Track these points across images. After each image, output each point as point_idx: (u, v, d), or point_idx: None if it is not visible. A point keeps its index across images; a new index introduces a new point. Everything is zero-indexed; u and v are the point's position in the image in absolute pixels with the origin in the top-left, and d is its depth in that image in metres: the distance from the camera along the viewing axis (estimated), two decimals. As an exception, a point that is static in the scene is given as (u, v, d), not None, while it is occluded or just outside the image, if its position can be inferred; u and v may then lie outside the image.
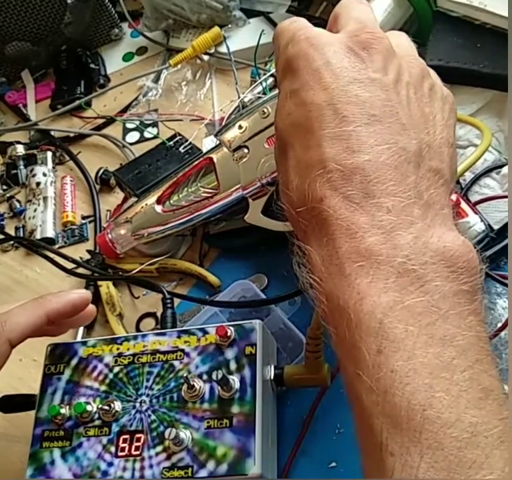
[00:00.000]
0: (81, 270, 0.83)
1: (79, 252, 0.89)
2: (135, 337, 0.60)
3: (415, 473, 0.34)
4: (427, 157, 0.44)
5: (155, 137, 0.96)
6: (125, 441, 0.55)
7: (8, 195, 0.98)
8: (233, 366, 0.57)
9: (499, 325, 0.66)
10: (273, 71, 0.93)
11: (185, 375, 0.55)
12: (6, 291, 0.88)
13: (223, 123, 0.85)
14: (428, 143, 0.45)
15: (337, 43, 0.46)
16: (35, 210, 0.93)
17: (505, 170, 0.73)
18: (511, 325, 0.64)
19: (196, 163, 0.80)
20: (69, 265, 0.83)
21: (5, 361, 0.58)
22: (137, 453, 0.54)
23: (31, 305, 0.58)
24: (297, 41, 0.48)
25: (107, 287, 0.82)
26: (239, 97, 0.91)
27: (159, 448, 0.54)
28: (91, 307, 0.66)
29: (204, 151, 0.85)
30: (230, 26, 1.01)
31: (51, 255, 0.83)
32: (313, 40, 0.47)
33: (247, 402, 0.55)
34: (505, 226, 0.70)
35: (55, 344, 0.62)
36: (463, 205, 0.66)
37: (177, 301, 0.78)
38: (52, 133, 1.03)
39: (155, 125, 0.99)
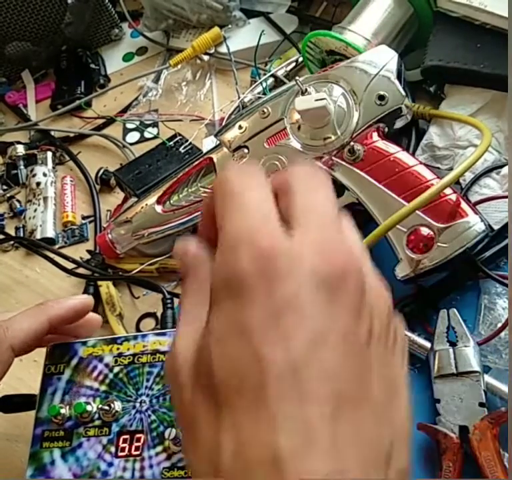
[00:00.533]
0: (81, 270, 0.83)
1: (79, 252, 0.89)
2: (135, 337, 0.60)
3: None
4: (394, 456, 0.36)
5: (155, 137, 0.96)
6: (125, 441, 0.55)
7: (8, 195, 0.98)
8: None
9: (499, 325, 0.66)
10: (274, 71, 0.93)
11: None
12: (6, 290, 0.89)
13: (223, 123, 0.85)
14: (394, 437, 0.37)
15: (305, 270, 0.36)
16: (35, 210, 0.93)
17: (504, 170, 0.73)
18: (511, 325, 0.64)
19: (196, 163, 0.80)
20: (69, 265, 0.83)
21: (7, 368, 0.58)
22: (137, 453, 0.54)
23: (32, 311, 0.58)
24: (256, 254, 0.36)
25: (107, 287, 0.82)
26: (239, 97, 0.91)
27: (159, 448, 0.54)
28: (96, 317, 0.66)
29: (204, 151, 0.85)
30: (230, 26, 1.01)
31: (51, 255, 0.83)
32: (276, 260, 0.36)
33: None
34: (505, 226, 0.70)
35: (54, 344, 0.62)
36: (463, 204, 0.66)
37: (176, 300, 0.78)
38: (52, 133, 1.03)
39: (155, 125, 0.99)
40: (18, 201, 0.97)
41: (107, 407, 0.56)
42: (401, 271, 0.67)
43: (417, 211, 0.65)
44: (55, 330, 0.60)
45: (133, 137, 0.99)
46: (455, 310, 0.66)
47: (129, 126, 1.00)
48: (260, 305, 0.35)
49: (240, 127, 0.77)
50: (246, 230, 0.38)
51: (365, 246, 0.44)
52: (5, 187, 0.99)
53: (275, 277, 0.36)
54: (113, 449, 0.55)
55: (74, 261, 0.83)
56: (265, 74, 0.94)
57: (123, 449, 0.55)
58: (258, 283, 0.36)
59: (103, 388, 0.58)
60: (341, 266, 0.37)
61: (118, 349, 0.60)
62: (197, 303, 0.41)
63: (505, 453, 0.59)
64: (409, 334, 0.67)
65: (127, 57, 1.11)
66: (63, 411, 0.57)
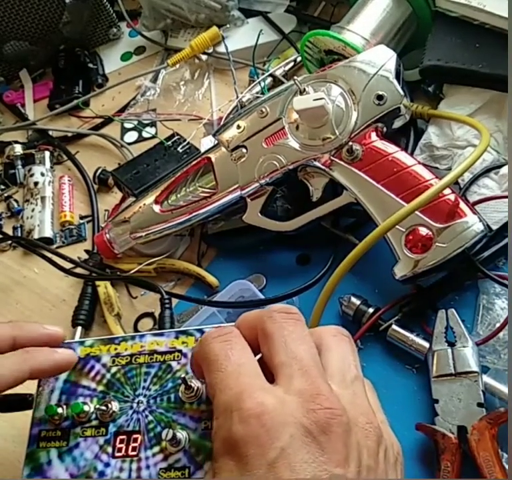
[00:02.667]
0: (79, 270, 0.83)
1: (77, 252, 0.88)
2: (133, 337, 0.60)
3: None
4: None
5: (153, 137, 0.96)
6: (121, 441, 0.55)
7: (5, 195, 0.98)
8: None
9: (497, 325, 0.66)
10: (272, 70, 0.93)
11: (182, 375, 0.55)
12: (4, 290, 0.88)
13: (221, 123, 0.86)
14: None
15: (292, 422, 0.41)
16: (33, 210, 0.93)
17: (503, 170, 0.73)
18: (511, 325, 0.64)
19: (194, 162, 0.80)
20: (67, 265, 0.82)
21: None
22: (134, 453, 0.54)
23: (17, 358, 0.56)
24: (245, 416, 0.42)
25: (104, 287, 0.82)
26: (237, 97, 0.91)
27: (156, 449, 0.53)
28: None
29: (202, 150, 0.85)
30: (228, 26, 1.01)
31: (49, 255, 0.83)
32: (264, 418, 0.41)
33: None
34: (504, 226, 0.70)
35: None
36: (462, 205, 0.66)
37: (175, 300, 0.78)
38: (50, 132, 1.03)
39: (153, 124, 0.99)
40: (15, 200, 0.97)
41: (104, 407, 0.55)
42: (400, 271, 0.67)
43: (416, 211, 0.65)
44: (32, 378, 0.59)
45: (131, 136, 0.99)
46: (453, 310, 0.66)
47: (127, 125, 1.00)
48: (255, 463, 0.40)
49: (238, 127, 0.77)
50: (234, 396, 0.43)
51: (354, 372, 0.48)
52: (2, 187, 0.99)
53: (264, 435, 0.41)
54: (109, 449, 0.55)
55: (72, 261, 0.83)
56: (263, 73, 0.94)
57: (119, 450, 0.54)
58: (250, 443, 0.41)
59: (100, 388, 0.58)
60: (322, 415, 0.42)
61: (115, 349, 0.60)
62: None
63: (504, 453, 0.59)
64: (408, 334, 0.67)
65: (125, 57, 1.11)
66: (60, 410, 0.57)
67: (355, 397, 0.46)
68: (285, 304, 0.50)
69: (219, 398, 0.44)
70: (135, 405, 0.56)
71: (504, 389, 0.62)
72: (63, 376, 0.59)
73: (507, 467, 0.58)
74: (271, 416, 0.41)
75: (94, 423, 0.56)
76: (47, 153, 0.99)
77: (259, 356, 0.48)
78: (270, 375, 0.46)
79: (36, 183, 0.96)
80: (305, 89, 0.73)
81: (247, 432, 0.41)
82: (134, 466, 0.53)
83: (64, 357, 0.58)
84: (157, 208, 0.80)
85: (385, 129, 0.73)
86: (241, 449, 0.41)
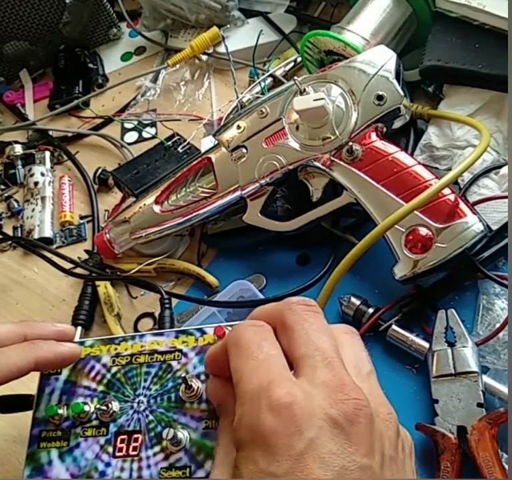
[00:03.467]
0: (79, 270, 0.83)
1: (77, 252, 0.88)
2: (133, 337, 0.60)
3: None
4: None
5: (154, 137, 0.96)
6: (122, 441, 0.55)
7: (6, 195, 0.98)
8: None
9: (497, 325, 0.66)
10: (272, 70, 0.93)
11: (182, 375, 0.55)
12: (4, 290, 0.88)
13: (222, 123, 0.86)
14: None
15: (321, 413, 0.41)
16: (33, 210, 0.93)
17: (503, 170, 0.73)
18: (511, 325, 0.64)
19: (194, 162, 0.80)
20: (67, 265, 0.82)
21: None
22: (135, 453, 0.54)
23: (23, 348, 0.56)
24: (275, 406, 0.41)
25: (104, 287, 0.82)
26: (237, 97, 0.91)
27: (157, 448, 0.54)
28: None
29: (202, 150, 0.85)
30: (228, 26, 1.01)
31: (49, 255, 0.83)
32: (294, 407, 0.41)
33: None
34: (503, 227, 0.70)
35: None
36: (462, 205, 0.66)
37: (175, 300, 0.78)
38: (50, 132, 1.03)
39: (153, 124, 0.99)
40: (16, 200, 0.97)
41: (104, 407, 0.56)
42: (400, 271, 0.67)
43: (416, 211, 0.65)
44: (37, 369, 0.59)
45: (131, 136, 0.99)
46: (453, 310, 0.66)
47: (127, 126, 1.00)
48: (283, 454, 0.40)
49: (238, 127, 0.77)
50: (264, 385, 0.43)
51: (368, 366, 0.48)
52: (2, 187, 0.99)
53: (293, 425, 0.41)
54: (110, 449, 0.55)
55: (72, 261, 0.83)
56: (263, 74, 0.94)
57: (120, 449, 0.54)
58: (279, 432, 0.40)
59: (101, 388, 0.58)
60: (350, 405, 0.42)
61: (115, 349, 0.60)
62: (229, 445, 0.47)
63: (504, 453, 0.59)
64: (408, 334, 0.67)
65: (125, 57, 1.11)
66: (60, 411, 0.57)
67: (372, 390, 0.46)
68: (303, 296, 0.50)
69: (246, 385, 0.44)
70: (135, 405, 0.56)
71: (504, 389, 0.62)
72: (63, 376, 0.59)
73: (506, 467, 0.58)
74: (300, 406, 0.41)
75: (94, 423, 0.56)
76: (47, 153, 0.99)
77: None
78: (290, 365, 0.46)
79: (36, 183, 0.96)
80: (305, 89, 0.73)
81: (276, 422, 0.41)
82: (135, 465, 0.53)
83: (69, 350, 0.59)
84: (157, 208, 0.80)
85: (385, 129, 0.73)
86: (269, 438, 0.41)
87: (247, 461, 0.42)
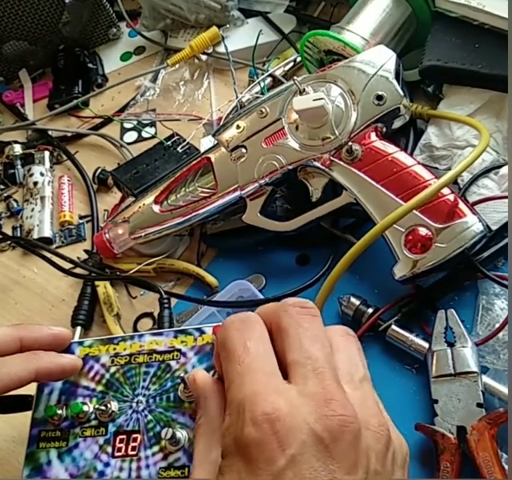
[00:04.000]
0: (78, 270, 0.83)
1: (76, 252, 0.88)
2: (132, 337, 0.60)
3: None
4: None
5: (153, 137, 0.96)
6: (121, 441, 0.55)
7: (5, 195, 0.98)
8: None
9: (497, 325, 0.66)
10: (272, 70, 0.93)
11: (181, 375, 0.55)
12: (3, 290, 0.88)
13: (221, 123, 0.86)
14: None
15: (305, 428, 0.41)
16: (32, 209, 0.93)
17: (503, 170, 0.73)
18: (511, 325, 0.64)
19: (194, 162, 0.80)
20: (67, 265, 0.82)
21: None
22: (134, 453, 0.54)
23: (24, 358, 0.56)
24: (259, 420, 0.41)
25: (104, 287, 0.82)
26: (236, 97, 0.91)
27: (156, 448, 0.54)
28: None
29: (202, 150, 0.85)
30: (228, 26, 1.01)
31: (48, 255, 0.83)
32: (277, 423, 0.41)
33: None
34: (503, 227, 0.70)
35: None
36: (461, 205, 0.66)
37: (174, 301, 0.78)
38: (49, 132, 1.03)
39: (152, 124, 0.99)
40: (15, 200, 0.97)
41: (103, 407, 0.56)
42: (399, 271, 0.67)
43: (415, 211, 0.65)
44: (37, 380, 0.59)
45: (131, 136, 0.99)
46: (452, 310, 0.66)
47: (127, 125, 1.00)
48: (265, 468, 0.40)
49: (238, 127, 0.77)
50: (249, 396, 0.42)
51: (362, 372, 0.48)
52: (2, 187, 0.99)
53: (276, 441, 0.40)
54: (109, 449, 0.55)
55: (71, 261, 0.83)
56: (262, 74, 0.94)
57: (119, 449, 0.54)
58: (261, 447, 0.40)
59: (100, 388, 0.58)
60: (335, 421, 0.41)
61: (114, 349, 0.60)
62: (209, 443, 0.47)
63: (503, 453, 0.59)
64: (407, 334, 0.67)
65: (125, 57, 1.11)
66: (59, 411, 0.57)
67: (365, 399, 0.46)
68: (301, 298, 0.49)
69: (233, 393, 0.44)
70: (134, 405, 0.56)
71: (503, 389, 0.62)
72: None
73: (506, 467, 0.58)
74: (284, 422, 0.41)
75: (93, 422, 0.56)
76: (47, 153, 0.99)
77: None
78: (282, 368, 0.46)
79: (35, 183, 0.96)
80: (304, 89, 0.73)
81: (258, 436, 0.41)
82: (134, 465, 0.53)
83: (69, 362, 0.58)
84: (156, 208, 0.80)
85: (384, 129, 0.73)
86: (251, 451, 0.41)
87: (231, 470, 0.42)
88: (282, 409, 0.41)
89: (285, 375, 0.45)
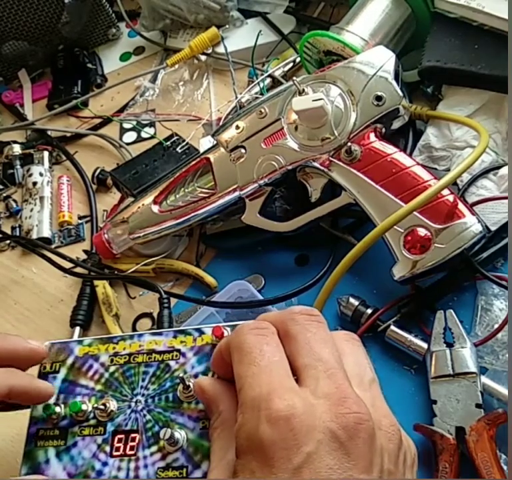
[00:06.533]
0: (77, 270, 0.83)
1: (75, 252, 0.88)
2: (131, 337, 0.60)
3: None
4: None
5: (152, 137, 0.96)
6: (119, 440, 0.55)
7: (4, 195, 0.98)
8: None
9: (496, 326, 0.66)
10: (271, 71, 0.93)
11: (180, 375, 0.55)
12: (2, 290, 0.88)
13: (220, 123, 0.86)
14: None
15: (321, 426, 0.41)
16: (31, 210, 0.93)
17: (502, 171, 0.73)
18: (511, 325, 0.64)
19: (193, 163, 0.80)
20: (66, 265, 0.82)
21: None
22: (132, 452, 0.54)
23: (1, 372, 0.56)
24: (274, 418, 0.41)
25: (103, 287, 0.82)
26: (236, 97, 0.91)
27: (154, 448, 0.53)
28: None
29: (201, 151, 0.85)
30: (227, 26, 1.01)
31: (49, 255, 0.83)
32: (293, 421, 0.41)
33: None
34: (502, 227, 0.70)
35: (50, 343, 0.62)
36: (460, 205, 0.66)
37: (173, 301, 0.78)
38: (49, 132, 1.03)
39: (152, 125, 0.99)
40: (14, 200, 0.97)
41: (102, 406, 0.56)
42: (398, 271, 0.67)
43: (414, 212, 0.65)
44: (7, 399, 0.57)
45: (130, 136, 0.99)
46: (451, 311, 0.66)
47: (126, 126, 1.00)
48: (280, 466, 0.40)
49: (237, 127, 0.77)
50: (264, 394, 0.43)
51: (370, 375, 0.48)
52: (1, 187, 0.99)
53: (292, 438, 0.40)
54: (107, 449, 0.55)
55: (71, 260, 0.83)
56: (262, 74, 0.94)
57: (117, 449, 0.54)
58: (277, 444, 0.40)
59: (99, 387, 0.58)
60: (351, 419, 0.41)
61: (114, 348, 0.60)
62: (225, 445, 0.47)
63: (502, 454, 0.59)
64: (406, 335, 0.67)
65: (124, 57, 1.11)
66: (58, 409, 0.57)
67: (375, 400, 0.46)
68: (306, 306, 0.50)
69: (247, 393, 0.44)
70: (133, 404, 0.56)
71: (502, 389, 0.62)
72: (61, 375, 0.59)
73: (505, 467, 0.58)
74: (300, 419, 0.41)
75: (92, 422, 0.56)
76: (46, 153, 0.99)
77: None
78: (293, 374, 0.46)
79: (34, 183, 0.95)
80: (304, 90, 0.73)
81: (274, 434, 0.41)
82: (132, 465, 0.53)
83: (45, 387, 0.57)
84: (155, 208, 0.80)
85: (383, 130, 0.73)
86: (266, 450, 0.41)
87: (244, 469, 0.42)
88: (297, 407, 0.42)
89: (297, 381, 0.45)
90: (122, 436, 0.55)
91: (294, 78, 0.74)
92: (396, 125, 0.74)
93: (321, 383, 0.44)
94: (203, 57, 1.01)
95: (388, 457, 0.43)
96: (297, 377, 0.45)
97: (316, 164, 0.73)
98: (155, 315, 0.77)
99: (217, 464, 0.47)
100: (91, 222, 0.92)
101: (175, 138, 0.89)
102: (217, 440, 0.48)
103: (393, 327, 0.68)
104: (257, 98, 0.87)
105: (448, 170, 0.76)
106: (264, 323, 0.48)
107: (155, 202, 0.80)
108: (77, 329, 0.80)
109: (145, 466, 0.53)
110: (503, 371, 0.64)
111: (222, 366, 0.49)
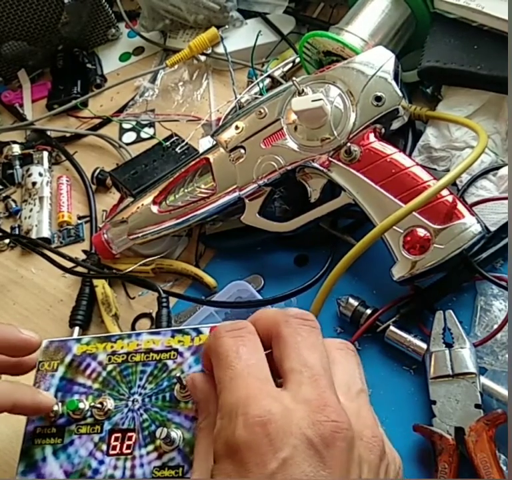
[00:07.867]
0: (77, 269, 0.83)
1: (75, 252, 0.88)
2: (129, 336, 0.60)
3: None
4: None
5: (152, 137, 0.96)
6: (116, 439, 0.55)
7: (4, 195, 0.98)
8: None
9: (495, 326, 0.66)
10: (270, 71, 0.93)
11: (177, 374, 0.55)
12: (1, 290, 0.88)
13: (220, 124, 0.85)
14: None
15: (297, 433, 0.41)
16: (31, 210, 0.93)
17: (501, 172, 0.73)
18: (511, 325, 0.64)
19: (192, 163, 0.80)
20: (66, 264, 0.82)
21: None
22: (128, 451, 0.54)
23: (7, 387, 0.54)
24: (250, 423, 0.41)
25: (102, 287, 0.82)
26: (235, 98, 0.91)
27: (150, 447, 0.53)
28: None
29: (200, 151, 0.85)
30: (227, 27, 1.01)
31: (48, 254, 0.83)
32: (269, 426, 0.41)
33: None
34: (501, 228, 0.70)
35: (49, 341, 0.62)
36: (460, 206, 0.66)
37: (172, 301, 0.77)
38: (48, 132, 1.02)
39: (151, 125, 0.99)
40: (13, 200, 0.97)
41: (99, 405, 0.55)
42: (398, 272, 0.67)
43: (414, 212, 0.65)
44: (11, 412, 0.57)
45: (130, 137, 0.99)
46: (451, 311, 0.66)
47: (126, 126, 1.00)
48: (255, 471, 0.40)
49: (237, 127, 0.77)
50: (241, 399, 0.43)
51: (359, 385, 0.48)
52: (0, 187, 0.99)
53: (267, 444, 0.40)
54: (104, 447, 0.55)
55: (71, 260, 0.83)
56: (261, 74, 0.94)
57: (114, 447, 0.54)
58: (253, 450, 0.40)
59: (96, 386, 0.58)
60: (328, 428, 0.41)
61: (112, 347, 0.60)
62: (208, 447, 0.46)
63: (501, 454, 0.59)
64: (405, 335, 0.67)
65: (124, 57, 1.11)
66: (55, 407, 0.57)
67: (361, 410, 0.46)
68: (302, 310, 0.49)
69: (225, 397, 0.44)
70: (130, 403, 0.56)
71: (501, 390, 0.62)
72: (59, 373, 0.59)
73: (504, 468, 0.58)
74: (276, 425, 0.41)
75: (89, 420, 0.56)
76: (45, 153, 0.99)
77: (268, 351, 0.48)
78: (278, 376, 0.46)
79: (34, 183, 0.95)
80: (303, 90, 0.73)
81: (250, 439, 0.41)
82: (128, 464, 0.53)
83: (46, 401, 0.57)
84: (155, 208, 0.80)
85: (383, 130, 0.73)
86: (242, 455, 0.41)
87: (221, 473, 0.42)
88: (275, 412, 0.41)
89: (281, 384, 0.45)
90: (118, 435, 0.55)
91: (293, 78, 0.73)
92: (395, 125, 0.74)
93: (303, 388, 0.43)
94: (203, 57, 1.01)
95: (368, 467, 0.43)
96: (283, 379, 0.45)
97: (315, 164, 0.73)
98: (154, 315, 0.77)
99: (198, 467, 0.48)
100: (90, 222, 0.92)
101: (175, 138, 0.89)
102: (202, 441, 0.49)
103: (392, 328, 0.68)
104: (256, 98, 0.87)
105: (447, 170, 0.76)
106: (241, 322, 0.48)
107: (154, 202, 0.80)
108: (76, 329, 0.80)
109: (141, 465, 0.53)
110: (503, 371, 0.64)
111: (210, 368, 0.49)
